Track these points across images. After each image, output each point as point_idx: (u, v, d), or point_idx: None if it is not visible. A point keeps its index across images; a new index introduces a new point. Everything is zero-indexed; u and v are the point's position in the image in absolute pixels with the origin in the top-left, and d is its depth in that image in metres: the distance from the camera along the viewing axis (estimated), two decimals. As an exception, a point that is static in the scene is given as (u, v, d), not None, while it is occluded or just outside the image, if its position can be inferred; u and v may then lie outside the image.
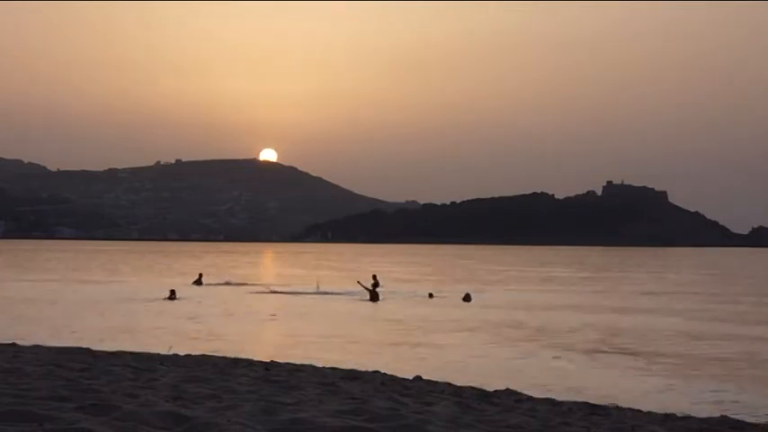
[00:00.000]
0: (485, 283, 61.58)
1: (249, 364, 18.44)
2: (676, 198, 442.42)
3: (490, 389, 16.01)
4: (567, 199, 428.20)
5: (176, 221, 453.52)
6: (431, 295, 44.79)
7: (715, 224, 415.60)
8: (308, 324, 31.73)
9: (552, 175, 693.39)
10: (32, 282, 57.84)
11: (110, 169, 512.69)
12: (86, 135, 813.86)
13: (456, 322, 32.85)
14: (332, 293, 46.72)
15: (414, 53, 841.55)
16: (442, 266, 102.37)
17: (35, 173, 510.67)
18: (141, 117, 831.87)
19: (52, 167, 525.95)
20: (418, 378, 17.37)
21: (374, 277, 44.37)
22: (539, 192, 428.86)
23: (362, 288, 43.23)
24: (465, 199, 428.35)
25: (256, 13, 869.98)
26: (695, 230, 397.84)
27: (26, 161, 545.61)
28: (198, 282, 52.81)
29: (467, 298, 43.09)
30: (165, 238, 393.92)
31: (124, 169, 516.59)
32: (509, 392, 15.77)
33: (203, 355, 20.11)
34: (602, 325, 32.48)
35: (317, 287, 48.43)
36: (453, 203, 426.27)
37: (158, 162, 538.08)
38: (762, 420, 13.96)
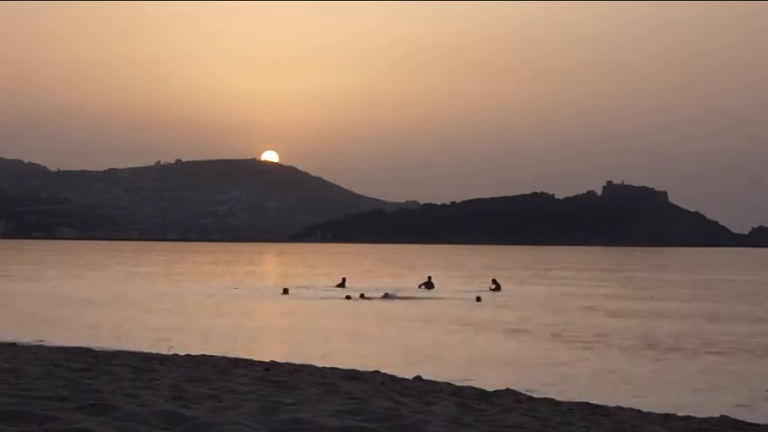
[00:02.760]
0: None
1: (249, 364, 18.45)
2: (676, 198, 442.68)
3: (490, 389, 16.00)
4: (567, 199, 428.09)
5: (176, 221, 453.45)
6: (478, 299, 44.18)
7: (715, 224, 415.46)
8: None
9: (552, 175, 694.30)
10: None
11: (110, 169, 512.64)
12: (86, 135, 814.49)
13: (461, 321, 32.82)
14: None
15: (414, 54, 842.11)
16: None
17: (35, 173, 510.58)
18: (141, 117, 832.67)
19: (52, 167, 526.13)
20: (418, 378, 17.35)
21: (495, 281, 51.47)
22: (539, 192, 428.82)
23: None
24: (465, 199, 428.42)
25: (257, 13, 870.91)
26: (695, 230, 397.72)
27: (26, 161, 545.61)
28: (341, 285, 51.98)
29: (478, 298, 43.31)
30: (164, 237, 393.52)
31: (124, 169, 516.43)
32: (509, 392, 15.76)
33: (203, 355, 20.11)
34: (602, 325, 32.46)
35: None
36: (453, 203, 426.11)
37: (158, 162, 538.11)
38: (762, 420, 13.94)
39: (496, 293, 48.38)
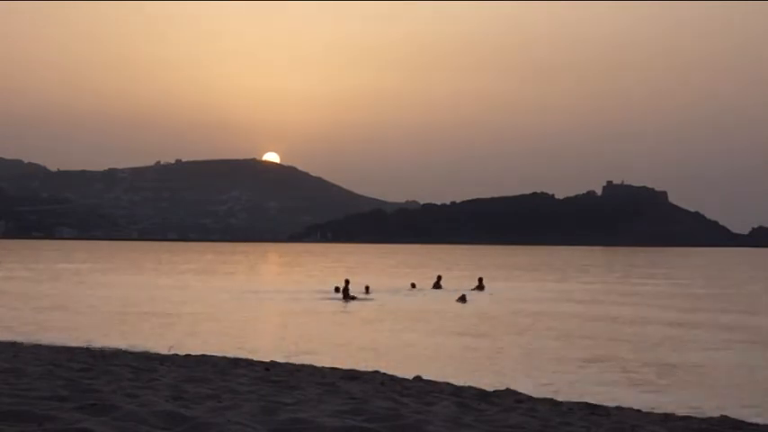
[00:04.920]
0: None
1: (249, 364, 18.45)
2: (676, 198, 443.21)
3: (490, 389, 15.99)
4: (567, 199, 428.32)
5: (176, 221, 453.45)
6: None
7: (715, 224, 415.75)
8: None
9: (552, 175, 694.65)
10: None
11: (110, 169, 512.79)
12: (86, 135, 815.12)
13: (456, 322, 32.80)
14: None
15: (415, 54, 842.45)
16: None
17: (35, 173, 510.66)
18: (141, 117, 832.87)
19: (52, 167, 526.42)
20: (418, 378, 17.34)
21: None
22: (539, 192, 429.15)
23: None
24: (465, 199, 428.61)
25: (256, 13, 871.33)
26: (695, 230, 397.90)
27: (26, 161, 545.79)
28: (437, 285, 51.55)
29: (462, 299, 42.94)
30: (164, 237, 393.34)
31: (124, 169, 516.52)
32: (509, 392, 15.75)
33: (203, 355, 20.10)
34: (602, 325, 32.45)
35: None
36: (453, 203, 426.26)
37: (158, 162, 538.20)
38: (762, 420, 13.94)
39: (479, 293, 47.65)
